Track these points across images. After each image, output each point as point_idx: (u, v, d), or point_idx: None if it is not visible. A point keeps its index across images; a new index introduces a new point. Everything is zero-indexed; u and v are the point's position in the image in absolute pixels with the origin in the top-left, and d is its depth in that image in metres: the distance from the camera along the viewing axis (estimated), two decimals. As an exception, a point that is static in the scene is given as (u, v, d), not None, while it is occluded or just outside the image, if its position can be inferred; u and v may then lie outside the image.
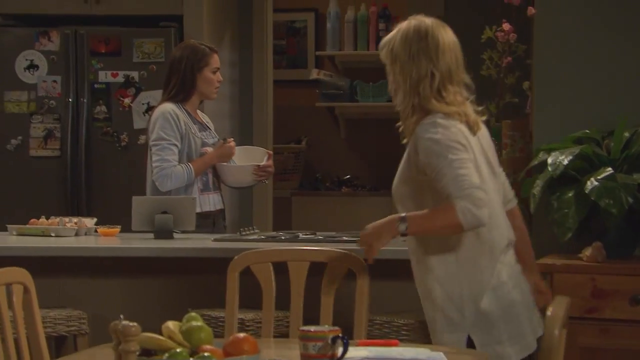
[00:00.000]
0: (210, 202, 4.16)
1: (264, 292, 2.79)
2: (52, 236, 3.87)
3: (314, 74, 6.71)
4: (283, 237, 3.76)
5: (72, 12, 5.17)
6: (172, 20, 5.11)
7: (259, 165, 4.17)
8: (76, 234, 3.93)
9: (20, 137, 5.14)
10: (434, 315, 2.63)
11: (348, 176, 6.79)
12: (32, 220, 4.03)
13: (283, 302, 2.92)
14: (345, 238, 3.69)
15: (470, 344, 2.58)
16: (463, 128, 2.59)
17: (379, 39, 6.51)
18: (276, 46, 6.31)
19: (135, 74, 5.09)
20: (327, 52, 6.78)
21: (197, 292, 3.60)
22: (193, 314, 2.17)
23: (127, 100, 5.11)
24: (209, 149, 4.14)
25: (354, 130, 6.85)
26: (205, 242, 3.73)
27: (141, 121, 5.08)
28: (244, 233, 3.89)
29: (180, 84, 4.11)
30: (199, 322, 2.15)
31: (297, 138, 6.94)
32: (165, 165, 4.02)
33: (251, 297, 3.08)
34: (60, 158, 5.15)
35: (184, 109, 4.14)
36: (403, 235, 2.64)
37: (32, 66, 5.12)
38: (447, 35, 2.61)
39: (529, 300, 2.68)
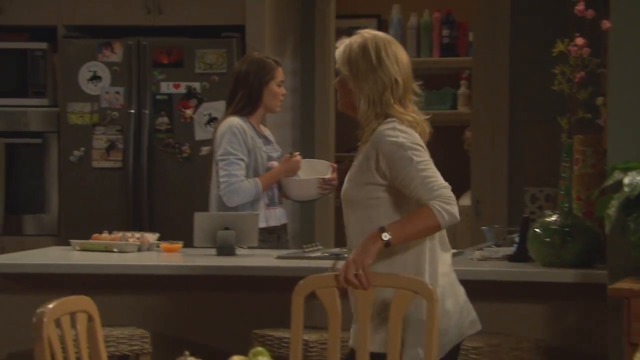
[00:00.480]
0: (276, 216, 4.15)
1: (330, 318, 2.74)
2: (114, 252, 3.87)
3: None
4: (347, 255, 3.67)
5: (134, 23, 5.17)
6: (234, 31, 5.08)
7: (324, 178, 4.12)
8: (139, 250, 3.92)
9: (83, 149, 5.16)
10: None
11: None
12: (94, 235, 4.03)
13: (349, 322, 2.87)
14: None
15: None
16: (416, 135, 2.77)
17: (442, 45, 6.62)
18: (337, 53, 6.30)
19: (197, 85, 5.07)
20: None
21: (260, 311, 3.57)
22: (259, 348, 2.12)
23: (189, 112, 5.09)
24: (275, 163, 4.12)
25: None
26: (268, 259, 3.69)
27: (203, 132, 5.07)
28: (307, 250, 3.85)
29: (247, 98, 4.09)
30: (265, 358, 2.10)
31: (358, 146, 6.85)
32: (233, 180, 4.00)
33: (315, 317, 3.03)
34: (122, 169, 5.15)
35: (249, 122, 4.11)
36: (387, 245, 2.70)
37: (95, 77, 5.13)
38: (400, 47, 2.79)
39: (462, 307, 2.80)
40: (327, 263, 3.51)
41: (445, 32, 6.59)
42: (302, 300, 2.72)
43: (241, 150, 4.02)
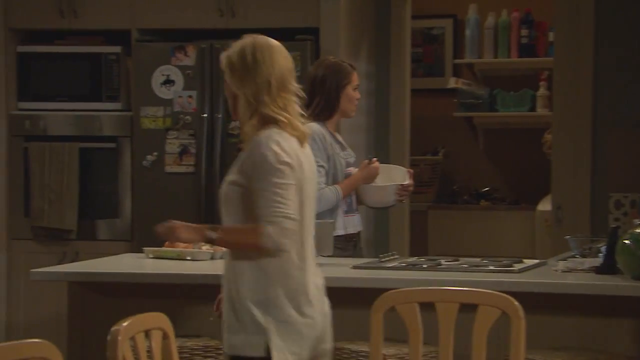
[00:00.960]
0: (353, 224, 4.09)
1: (410, 334, 2.65)
2: (187, 260, 3.82)
3: (452, 83, 6.60)
4: (425, 266, 3.61)
5: (207, 26, 5.13)
6: (308, 33, 5.02)
7: (402, 184, 4.04)
8: (211, 258, 3.87)
9: (155, 153, 5.15)
10: (237, 316, 2.75)
11: (487, 189, 6.64)
12: (167, 242, 3.95)
13: (429, 336, 2.77)
14: (492, 268, 3.50)
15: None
16: (294, 144, 2.79)
17: (521, 45, 6.49)
18: (412, 54, 6.18)
19: None
20: (466, 60, 6.65)
21: (336, 323, 3.46)
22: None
23: None
24: (353, 170, 4.05)
25: (493, 140, 6.70)
26: (344, 269, 3.61)
27: None
28: (383, 259, 3.76)
29: (325, 103, 4.03)
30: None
31: (433, 149, 6.79)
32: None
33: (392, 329, 2.94)
34: (194, 174, 5.12)
35: (326, 128, 4.06)
36: (209, 242, 2.84)
37: (168, 81, 5.11)
38: (280, 51, 2.87)
39: (324, 327, 2.83)
40: (405, 274, 3.43)
41: (524, 32, 6.46)
42: (382, 317, 2.64)
43: (321, 157, 3.96)
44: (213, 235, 2.78)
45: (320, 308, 2.84)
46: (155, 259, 3.89)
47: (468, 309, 2.67)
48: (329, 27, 5.00)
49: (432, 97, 6.63)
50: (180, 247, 3.92)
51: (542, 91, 6.48)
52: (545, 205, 6.01)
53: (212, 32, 5.13)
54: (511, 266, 3.52)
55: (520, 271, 3.45)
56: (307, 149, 2.90)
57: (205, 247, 3.91)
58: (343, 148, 4.12)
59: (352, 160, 4.13)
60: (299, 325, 2.76)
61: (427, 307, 2.72)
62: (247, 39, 2.86)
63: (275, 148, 2.72)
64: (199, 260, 3.83)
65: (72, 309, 3.60)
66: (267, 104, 2.77)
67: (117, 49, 5.20)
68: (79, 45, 5.27)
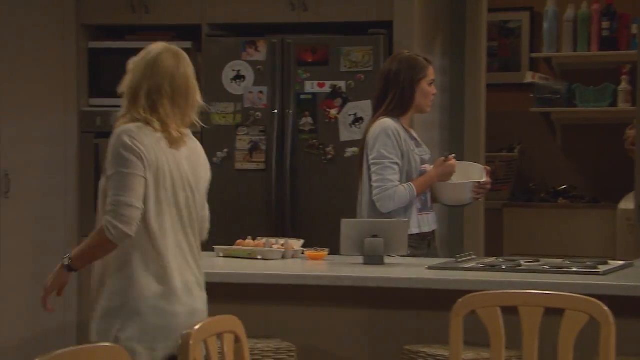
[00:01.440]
0: (428, 222, 4.02)
1: (492, 339, 2.55)
2: (258, 259, 3.78)
3: (529, 78, 6.48)
4: (504, 267, 3.50)
5: (279, 20, 5.08)
6: (382, 27, 4.95)
7: (479, 182, 3.93)
8: (283, 257, 3.82)
9: (226, 150, 5.10)
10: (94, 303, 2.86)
11: (565, 186, 6.50)
12: (238, 241, 3.95)
13: (511, 340, 2.67)
14: (575, 269, 3.37)
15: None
16: (154, 140, 2.83)
17: (602, 38, 6.31)
18: (487, 48, 6.04)
19: (342, 84, 4.95)
20: (543, 54, 6.51)
21: (411, 325, 3.40)
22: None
23: (333, 112, 4.97)
24: (428, 167, 3.95)
25: (571, 137, 6.56)
26: (419, 270, 3.52)
27: (348, 133, 4.96)
28: (460, 260, 3.66)
29: (399, 98, 3.95)
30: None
31: (509, 145, 6.66)
32: (388, 185, 3.88)
33: (469, 333, 2.84)
34: (265, 171, 5.07)
35: (400, 124, 3.98)
36: (71, 270, 2.84)
37: (238, 77, 5.06)
38: (172, 60, 2.97)
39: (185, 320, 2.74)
40: (483, 276, 3.33)
41: (605, 24, 6.30)
42: (462, 320, 2.54)
43: (395, 153, 3.89)
44: (67, 260, 2.83)
45: (187, 304, 2.84)
46: (225, 257, 3.85)
47: (553, 313, 2.55)
48: (403, 20, 4.93)
49: (508, 92, 6.52)
50: (251, 246, 3.88)
51: (623, 85, 6.32)
52: (627, 204, 5.85)
53: (283, 27, 5.09)
54: (595, 268, 3.39)
55: (605, 273, 3.32)
56: (186, 153, 2.94)
57: (277, 246, 3.87)
58: (418, 145, 4.03)
59: (427, 157, 4.04)
60: (150, 317, 2.77)
61: (510, 310, 2.61)
62: (158, 44, 3.05)
63: (126, 139, 2.80)
64: (270, 259, 3.78)
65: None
66: (137, 106, 2.88)
67: (187, 44, 5.10)
68: (150, 41, 4.92)
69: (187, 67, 2.97)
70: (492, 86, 5.97)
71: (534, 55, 6.55)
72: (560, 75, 6.50)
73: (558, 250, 6.06)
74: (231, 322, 2.20)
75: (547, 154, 6.57)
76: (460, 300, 2.58)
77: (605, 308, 2.48)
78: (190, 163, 2.95)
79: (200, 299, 2.91)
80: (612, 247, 6.03)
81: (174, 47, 3.03)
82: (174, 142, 2.87)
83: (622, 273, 3.38)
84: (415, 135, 4.08)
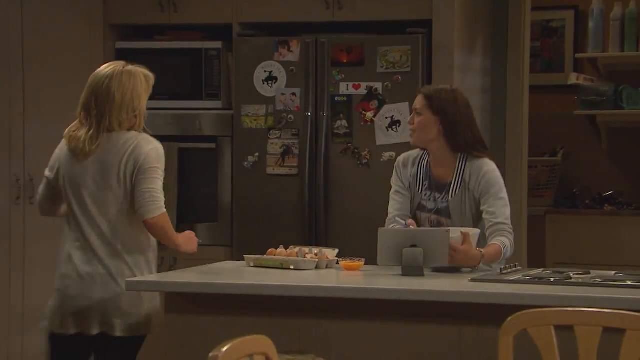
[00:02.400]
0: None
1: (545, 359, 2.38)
2: (291, 269, 3.64)
3: (573, 79, 6.34)
4: (552, 280, 3.33)
5: (313, 19, 4.98)
6: (420, 26, 4.82)
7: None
8: (316, 267, 3.68)
9: (257, 154, 5.01)
10: None
11: (610, 192, 6.37)
12: (270, 250, 3.82)
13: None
14: (629, 283, 3.20)
15: None
16: (61, 150, 3.62)
17: None
18: (530, 48, 5.89)
19: (378, 85, 4.83)
20: (588, 54, 6.38)
21: (453, 341, 3.24)
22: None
23: (369, 114, 4.86)
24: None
25: (618, 140, 6.43)
26: (461, 282, 3.36)
27: (384, 137, 4.84)
28: (505, 272, 3.50)
29: None
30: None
31: (552, 150, 6.52)
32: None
33: (520, 352, 2.69)
34: (298, 176, 4.95)
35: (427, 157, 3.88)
36: None
37: (270, 78, 4.97)
38: (134, 78, 3.59)
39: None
40: (531, 289, 3.17)
41: None
42: (511, 340, 2.38)
43: (397, 183, 3.88)
44: None
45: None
46: (256, 267, 3.73)
47: (612, 332, 2.38)
48: (443, 19, 4.81)
49: (551, 94, 6.41)
50: (283, 255, 3.75)
51: None
52: None
53: (317, 26, 5.00)
54: None
55: None
56: (84, 162, 3.54)
57: (310, 255, 3.74)
58: (431, 188, 3.78)
59: (432, 206, 3.77)
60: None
61: (564, 329, 2.44)
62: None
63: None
64: (303, 269, 3.64)
65: (169, 323, 3.45)
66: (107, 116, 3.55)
67: (218, 44, 5.08)
68: (179, 41, 5.17)
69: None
70: (534, 88, 5.83)
71: (578, 55, 6.44)
72: (606, 76, 6.38)
73: (603, 260, 6.01)
74: (262, 343, 2.06)
75: (591, 158, 6.45)
76: (510, 318, 2.42)
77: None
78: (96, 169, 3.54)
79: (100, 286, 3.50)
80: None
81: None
82: (76, 153, 3.56)
83: None
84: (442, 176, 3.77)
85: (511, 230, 3.68)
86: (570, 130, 6.46)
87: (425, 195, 3.77)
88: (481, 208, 3.69)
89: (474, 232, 3.60)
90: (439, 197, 3.75)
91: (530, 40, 5.60)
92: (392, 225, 3.77)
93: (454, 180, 3.73)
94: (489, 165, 3.72)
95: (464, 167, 3.73)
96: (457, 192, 3.72)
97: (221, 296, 3.37)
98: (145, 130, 3.58)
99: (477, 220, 3.73)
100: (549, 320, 2.38)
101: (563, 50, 6.49)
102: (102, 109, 3.52)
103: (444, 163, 3.74)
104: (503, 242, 3.63)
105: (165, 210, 3.53)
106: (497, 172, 3.73)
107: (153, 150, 3.53)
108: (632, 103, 6.22)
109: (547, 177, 6.44)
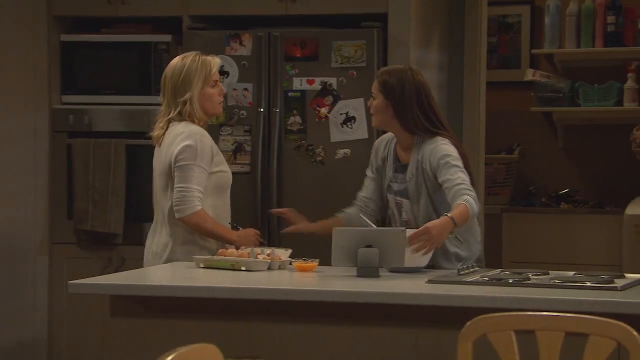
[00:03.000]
0: None
1: (503, 367, 2.30)
2: (242, 271, 3.56)
3: (529, 75, 6.28)
4: (511, 281, 3.27)
5: (265, 12, 4.87)
6: (375, 20, 4.74)
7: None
8: (269, 268, 3.60)
9: None
10: None
11: (567, 190, 6.31)
12: (221, 250, 3.75)
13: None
14: (590, 284, 3.14)
15: None
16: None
17: (607, 34, 6.12)
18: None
19: (333, 81, 4.74)
20: (545, 50, 6.31)
21: (409, 345, 3.16)
22: None
23: (324, 111, 4.77)
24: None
25: (574, 138, 6.38)
26: (418, 284, 3.30)
27: (339, 134, 4.75)
28: (463, 272, 3.43)
29: None
30: None
31: (508, 147, 6.47)
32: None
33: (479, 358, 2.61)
34: (250, 174, 4.84)
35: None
36: None
37: (221, 73, 4.73)
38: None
39: None
40: (490, 291, 3.10)
41: (611, 19, 6.10)
42: (470, 346, 2.30)
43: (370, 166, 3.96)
44: None
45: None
46: (206, 269, 3.64)
47: (575, 337, 2.31)
48: (399, 13, 4.73)
49: (507, 91, 6.35)
50: (235, 256, 3.65)
51: (630, 84, 6.14)
52: (635, 209, 5.67)
53: (270, 20, 4.91)
54: (612, 282, 3.17)
55: (624, 288, 3.10)
56: (158, 150, 3.86)
57: (263, 256, 3.66)
58: (397, 170, 3.82)
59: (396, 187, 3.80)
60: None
61: (525, 334, 2.37)
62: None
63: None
64: (255, 271, 3.56)
65: (114, 327, 3.33)
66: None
67: (167, 37, 5.00)
68: (127, 34, 5.05)
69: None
70: (491, 84, 5.79)
71: (534, 51, 6.38)
72: (562, 73, 6.33)
73: (560, 259, 5.98)
74: (208, 353, 1.95)
75: (548, 156, 6.40)
76: (469, 323, 2.33)
77: (635, 333, 2.24)
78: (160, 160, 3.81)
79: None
80: (618, 256, 5.86)
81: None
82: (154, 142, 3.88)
83: None
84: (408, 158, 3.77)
85: (470, 188, 3.59)
86: (527, 127, 6.41)
87: (393, 177, 3.79)
88: (439, 182, 3.64)
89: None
90: (401, 179, 3.76)
91: (487, 36, 5.55)
92: (354, 208, 3.85)
93: (411, 161, 3.73)
94: (440, 142, 3.69)
95: (420, 149, 3.71)
96: (413, 173, 3.71)
97: (169, 299, 3.27)
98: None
99: (435, 201, 3.68)
100: (510, 325, 2.31)
101: (520, 47, 6.43)
102: (165, 97, 3.82)
103: (405, 145, 3.77)
104: (466, 199, 3.54)
105: (199, 208, 3.74)
106: (449, 147, 3.68)
107: (186, 147, 3.74)
108: (589, 100, 6.19)
109: (503, 175, 6.39)
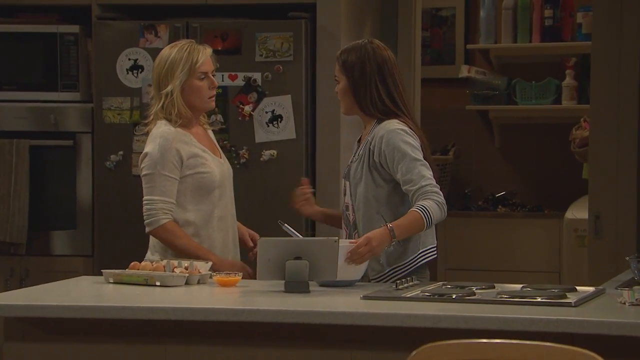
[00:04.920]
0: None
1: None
2: (156, 286, 3.32)
3: (464, 72, 6.28)
4: (454, 296, 3.03)
5: (183, 1, 4.79)
6: (303, 10, 4.67)
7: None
8: (187, 283, 3.36)
9: (121, 153, 4.80)
10: None
11: (504, 193, 6.31)
12: (133, 263, 3.48)
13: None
14: (540, 299, 2.94)
15: None
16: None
17: (544, 28, 6.13)
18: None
19: (257, 76, 4.66)
20: (480, 45, 6.33)
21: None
22: None
23: (247, 108, 4.67)
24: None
25: (511, 138, 6.38)
26: (351, 300, 3.08)
27: (264, 133, 4.67)
28: (401, 287, 3.19)
29: None
30: None
31: (443, 147, 6.41)
32: None
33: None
34: (167, 178, 4.65)
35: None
36: None
37: (135, 67, 4.77)
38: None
39: None
40: (432, 307, 2.89)
41: (548, 12, 6.13)
42: (417, 378, 2.04)
43: None
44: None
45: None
46: (116, 284, 3.39)
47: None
48: (328, 2, 4.68)
49: (441, 88, 6.33)
50: (149, 269, 3.41)
51: (568, 80, 6.17)
52: (574, 213, 5.63)
53: (188, 9, 4.83)
54: (565, 297, 2.96)
55: (578, 304, 2.90)
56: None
57: (180, 269, 3.42)
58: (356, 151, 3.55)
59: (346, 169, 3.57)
60: None
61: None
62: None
63: None
64: (171, 286, 3.31)
65: (8, 352, 3.05)
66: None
67: (75, 28, 4.89)
68: (31, 24, 4.93)
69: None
70: (423, 81, 5.75)
71: (469, 46, 6.39)
72: (498, 69, 6.34)
73: (497, 265, 5.95)
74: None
75: (484, 157, 6.39)
76: (414, 353, 2.10)
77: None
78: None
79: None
80: (557, 261, 5.86)
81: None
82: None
83: (598, 303, 2.98)
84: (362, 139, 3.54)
85: (436, 189, 3.35)
86: (462, 126, 6.41)
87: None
88: (396, 178, 3.36)
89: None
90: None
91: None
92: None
93: (362, 143, 3.47)
94: (392, 126, 3.37)
95: (372, 130, 3.43)
96: (360, 154, 3.45)
97: (72, 320, 3.01)
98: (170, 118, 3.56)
99: (376, 186, 3.42)
100: (460, 355, 2.06)
101: (453, 41, 6.42)
102: (152, 88, 3.64)
103: (367, 130, 3.49)
104: (423, 205, 3.29)
105: (161, 223, 3.54)
106: (402, 134, 3.35)
107: (145, 155, 3.59)
108: (526, 98, 6.20)
109: (438, 177, 6.17)
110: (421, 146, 3.41)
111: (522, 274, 5.78)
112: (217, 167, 3.63)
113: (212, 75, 3.61)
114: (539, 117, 6.23)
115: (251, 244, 3.70)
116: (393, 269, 3.42)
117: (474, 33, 6.35)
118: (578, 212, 5.52)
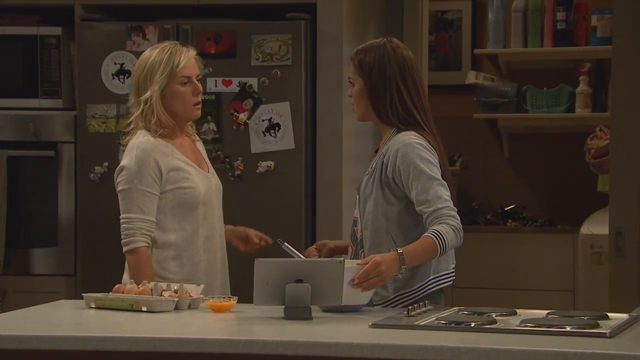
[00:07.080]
0: None
1: None
2: (143, 311, 3.16)
3: (471, 78, 6.26)
4: (473, 325, 2.86)
5: (173, 1, 4.76)
6: (303, 11, 4.62)
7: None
8: (176, 308, 3.21)
9: (106, 164, 4.72)
10: None
11: (513, 206, 6.27)
12: (117, 286, 3.33)
13: None
14: (570, 329, 2.77)
15: None
16: None
17: (557, 32, 6.08)
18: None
19: (253, 82, 4.62)
20: (488, 50, 6.32)
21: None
22: None
23: (242, 116, 4.62)
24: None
25: (521, 148, 6.36)
26: (359, 329, 2.91)
27: (261, 143, 4.63)
28: (413, 313, 3.02)
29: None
30: None
31: (449, 158, 6.16)
32: None
33: None
34: (157, 192, 4.56)
35: None
36: None
37: (122, 72, 4.72)
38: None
39: None
40: (449, 338, 2.72)
41: (561, 15, 6.10)
42: None
43: None
44: None
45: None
46: (98, 309, 3.24)
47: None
48: (329, 3, 4.62)
49: (447, 95, 6.28)
50: (134, 293, 3.25)
51: (582, 87, 6.12)
52: (590, 228, 5.58)
53: (179, 9, 4.83)
54: (597, 327, 2.78)
55: (613, 334, 2.71)
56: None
57: (169, 293, 3.27)
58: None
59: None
60: None
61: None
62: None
63: None
64: (159, 311, 3.17)
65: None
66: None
67: (57, 30, 4.86)
68: (9, 26, 4.90)
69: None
70: (428, 87, 5.59)
71: (476, 51, 6.38)
72: (507, 75, 6.32)
73: (507, 283, 5.90)
74: None
75: (493, 168, 6.37)
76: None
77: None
78: None
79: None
80: (572, 279, 5.79)
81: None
82: None
83: (634, 333, 2.83)
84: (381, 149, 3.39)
85: (452, 212, 3.19)
86: (469, 135, 6.37)
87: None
88: (410, 197, 3.18)
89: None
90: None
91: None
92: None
93: (376, 156, 3.31)
94: (408, 139, 3.20)
95: (388, 142, 3.27)
96: (373, 167, 3.29)
97: (46, 353, 2.82)
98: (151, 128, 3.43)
99: (386, 202, 3.25)
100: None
101: (460, 46, 6.40)
102: (131, 94, 3.52)
103: (383, 141, 3.34)
104: (438, 231, 3.13)
105: (136, 245, 3.38)
106: (419, 149, 3.18)
107: (120, 169, 3.43)
108: (537, 105, 6.15)
109: (455, 197, 6.16)
110: (440, 163, 3.22)
111: (532, 293, 5.78)
112: (202, 181, 3.45)
113: (198, 80, 3.45)
114: (551, 126, 6.20)
115: (256, 240, 3.56)
116: (399, 295, 3.26)
117: (482, 37, 6.34)
118: (594, 227, 5.42)
